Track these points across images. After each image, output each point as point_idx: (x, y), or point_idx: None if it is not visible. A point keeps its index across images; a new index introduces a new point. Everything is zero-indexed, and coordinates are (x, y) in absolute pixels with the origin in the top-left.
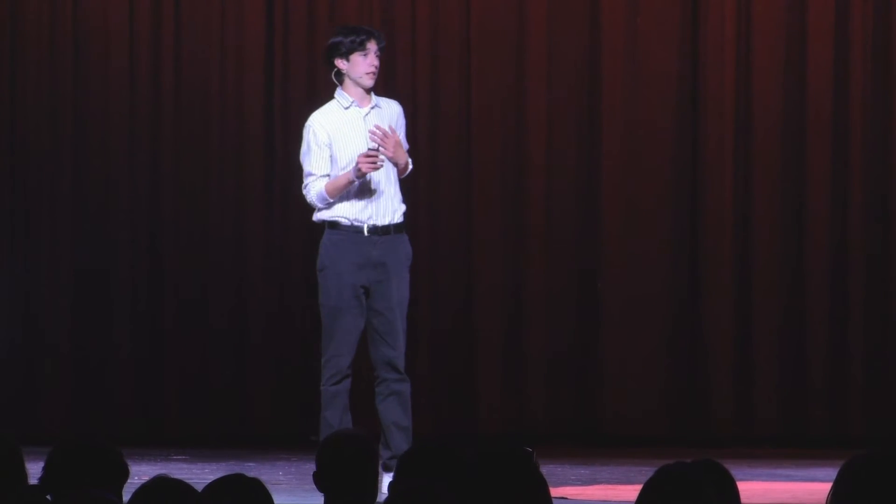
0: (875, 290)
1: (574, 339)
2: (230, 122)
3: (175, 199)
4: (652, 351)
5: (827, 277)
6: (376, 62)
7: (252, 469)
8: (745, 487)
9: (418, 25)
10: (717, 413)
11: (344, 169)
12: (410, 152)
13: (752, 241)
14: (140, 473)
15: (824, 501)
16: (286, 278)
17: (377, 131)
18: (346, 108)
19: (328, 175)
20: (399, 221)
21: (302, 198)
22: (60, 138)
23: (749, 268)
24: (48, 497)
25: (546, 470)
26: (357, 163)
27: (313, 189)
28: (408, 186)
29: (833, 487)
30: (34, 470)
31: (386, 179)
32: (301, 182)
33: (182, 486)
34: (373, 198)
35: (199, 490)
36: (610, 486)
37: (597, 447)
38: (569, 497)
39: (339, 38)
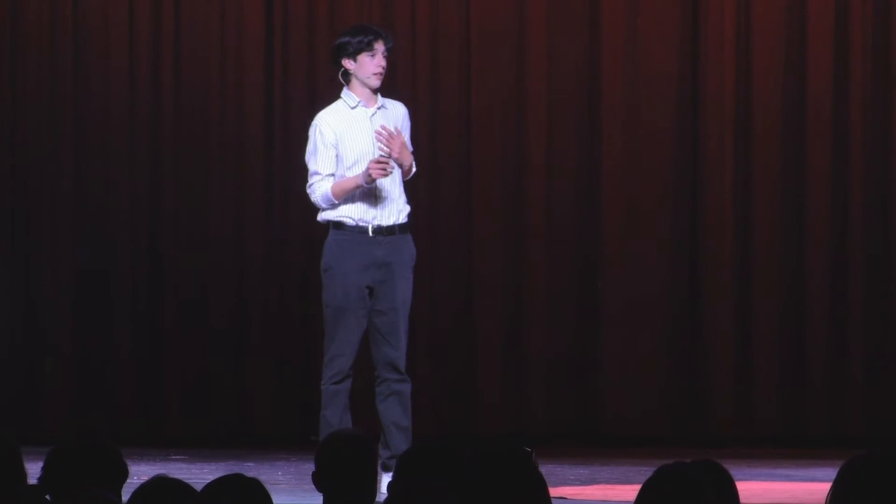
0: (875, 290)
1: (574, 339)
2: (230, 122)
3: (175, 199)
4: (652, 351)
5: (827, 277)
6: (384, 63)
7: (251, 469)
8: (745, 487)
9: (418, 25)
10: (717, 413)
11: (349, 169)
12: (412, 154)
13: (752, 241)
14: (140, 473)
15: (824, 501)
16: (286, 278)
17: (383, 132)
18: (353, 107)
19: (333, 175)
20: (404, 222)
21: (304, 197)
22: (60, 138)
23: (749, 268)
24: (47, 497)
25: (545, 470)
26: (367, 168)
27: (318, 189)
28: (408, 187)
29: (833, 487)
30: (33, 470)
31: (391, 180)
32: (305, 180)
33: (181, 486)
34: (378, 198)
35: (199, 490)
36: (609, 486)
37: (596, 447)
38: (568, 497)
39: (346, 38)
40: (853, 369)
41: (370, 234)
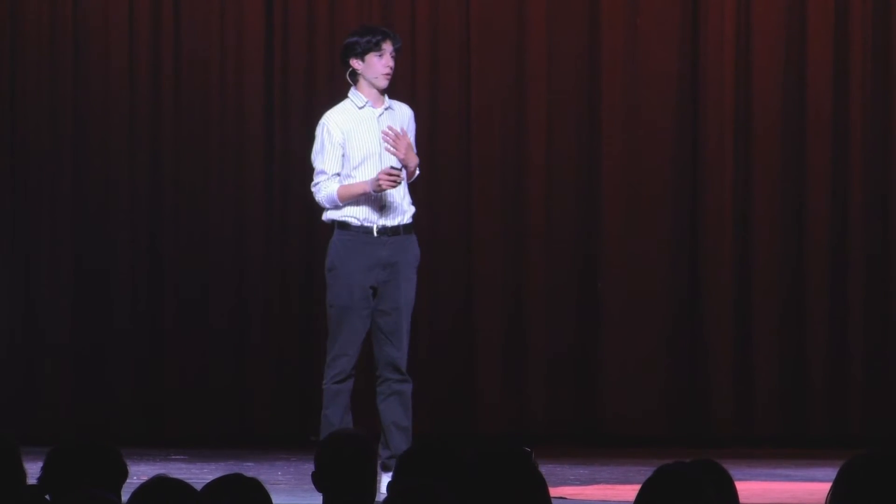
0: (875, 290)
1: (574, 339)
2: (230, 122)
3: (175, 199)
4: (652, 351)
5: (827, 277)
6: (391, 63)
7: (251, 469)
8: (745, 487)
9: (418, 25)
10: (717, 413)
11: (355, 168)
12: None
13: (752, 241)
14: (139, 473)
15: (824, 501)
16: (286, 278)
17: (390, 132)
18: (361, 107)
19: (339, 174)
20: (408, 223)
21: (304, 197)
22: (60, 138)
23: (749, 268)
24: (47, 497)
25: (545, 470)
26: (377, 178)
27: (324, 189)
28: (409, 187)
29: (832, 487)
30: (33, 470)
31: None
32: (309, 179)
33: (181, 486)
34: (383, 199)
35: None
36: (609, 486)
37: (596, 447)
38: (568, 497)
39: (355, 38)
40: (853, 369)
41: (375, 234)
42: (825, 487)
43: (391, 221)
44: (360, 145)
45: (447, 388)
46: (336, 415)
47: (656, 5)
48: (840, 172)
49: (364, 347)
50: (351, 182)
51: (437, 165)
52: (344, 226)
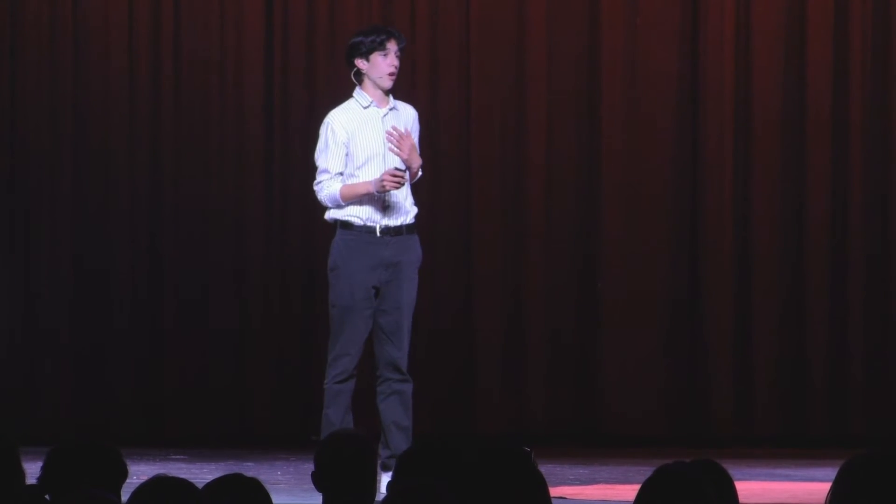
0: (875, 290)
1: (574, 339)
2: (230, 122)
3: (175, 199)
4: (652, 351)
5: (827, 277)
6: (396, 62)
7: (251, 469)
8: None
9: (418, 25)
10: (717, 413)
11: (359, 168)
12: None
13: (752, 241)
14: (139, 473)
15: (824, 501)
16: (286, 278)
17: (394, 133)
18: (366, 107)
19: (342, 173)
20: (411, 223)
21: (304, 197)
22: (60, 138)
23: (749, 268)
24: (47, 497)
25: (545, 469)
26: (381, 178)
27: (327, 188)
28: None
29: (832, 487)
30: (33, 470)
31: None
32: (312, 178)
33: (182, 485)
34: (386, 199)
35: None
36: (609, 486)
37: (596, 447)
38: (568, 497)
39: (359, 38)
40: (853, 369)
41: (378, 234)
42: (825, 487)
43: (394, 221)
44: (365, 145)
45: (447, 388)
46: (337, 415)
47: (656, 5)
48: (840, 172)
49: (364, 347)
50: (354, 182)
51: (437, 165)
52: (347, 225)
